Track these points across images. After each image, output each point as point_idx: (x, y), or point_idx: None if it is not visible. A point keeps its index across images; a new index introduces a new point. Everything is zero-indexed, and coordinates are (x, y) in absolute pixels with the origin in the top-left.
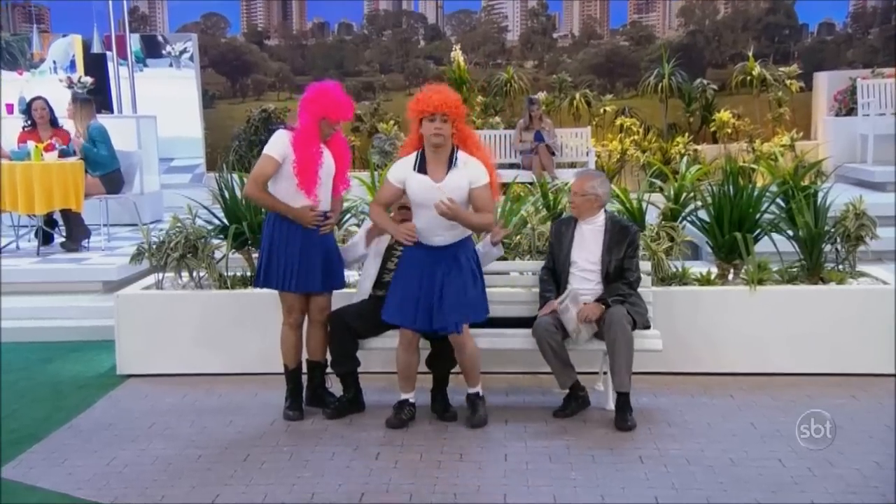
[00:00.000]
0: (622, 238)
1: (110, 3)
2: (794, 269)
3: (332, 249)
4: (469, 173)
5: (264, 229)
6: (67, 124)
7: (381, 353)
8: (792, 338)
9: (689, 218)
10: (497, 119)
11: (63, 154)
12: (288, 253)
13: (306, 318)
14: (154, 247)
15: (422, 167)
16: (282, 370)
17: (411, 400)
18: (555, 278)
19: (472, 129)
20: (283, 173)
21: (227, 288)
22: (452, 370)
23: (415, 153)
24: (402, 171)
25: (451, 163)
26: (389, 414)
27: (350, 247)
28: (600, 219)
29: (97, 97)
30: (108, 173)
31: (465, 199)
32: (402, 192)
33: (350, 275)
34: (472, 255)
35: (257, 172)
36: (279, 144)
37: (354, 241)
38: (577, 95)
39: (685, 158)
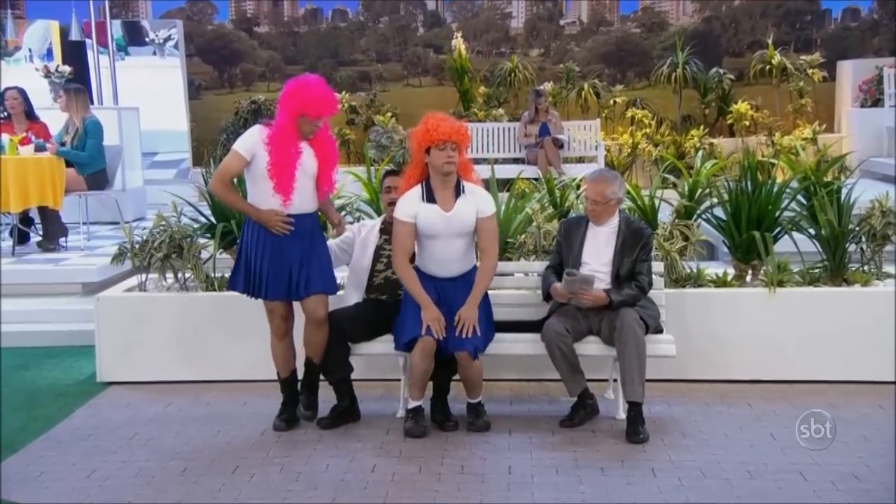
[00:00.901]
0: (635, 241)
1: None
2: (816, 271)
3: (313, 254)
4: (477, 202)
5: (242, 229)
6: (54, 115)
7: (376, 359)
8: (814, 343)
9: (704, 216)
10: (500, 111)
11: (39, 149)
12: (257, 256)
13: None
14: (137, 246)
15: (430, 197)
16: (272, 377)
17: (423, 406)
18: (559, 278)
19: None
20: (259, 173)
21: (215, 290)
22: (453, 378)
23: (418, 186)
24: (411, 205)
25: (458, 191)
26: (383, 425)
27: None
28: (615, 220)
29: None
30: (93, 173)
31: (472, 228)
32: (415, 229)
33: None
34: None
35: (223, 168)
36: (249, 140)
37: (347, 240)
38: (586, 86)
39: (700, 153)
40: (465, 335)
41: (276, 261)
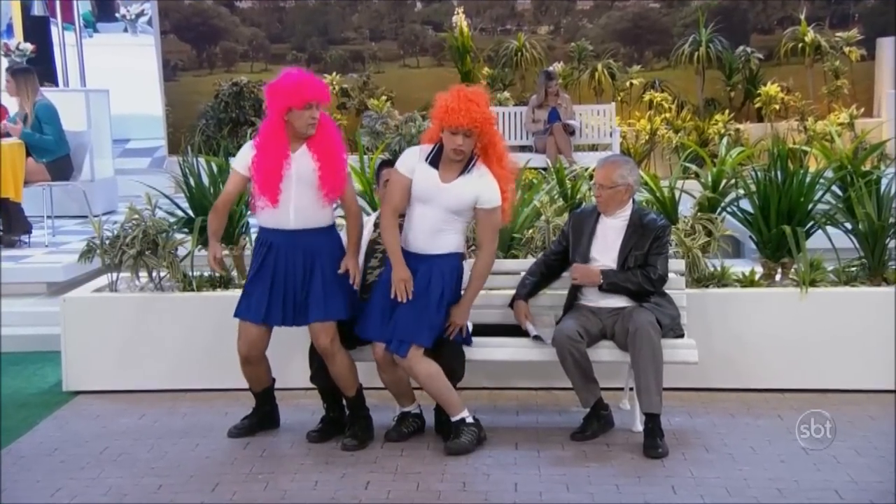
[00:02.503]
0: (646, 232)
1: None
2: (853, 269)
3: (314, 276)
4: (480, 187)
5: None
6: (8, 101)
7: (371, 365)
8: (850, 348)
9: (729, 209)
10: (506, 94)
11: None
12: (250, 271)
13: None
14: (107, 242)
15: (434, 161)
16: None
17: (415, 411)
18: (549, 272)
19: (500, 138)
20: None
21: (193, 290)
22: (456, 387)
23: (431, 145)
24: (412, 159)
25: (465, 168)
26: (378, 437)
27: None
28: (627, 211)
29: (38, 68)
30: (56, 160)
31: (467, 209)
32: (409, 186)
33: None
34: (454, 275)
35: (223, 191)
36: (241, 153)
37: None
38: (599, 66)
39: (725, 139)
40: (450, 336)
41: (261, 279)
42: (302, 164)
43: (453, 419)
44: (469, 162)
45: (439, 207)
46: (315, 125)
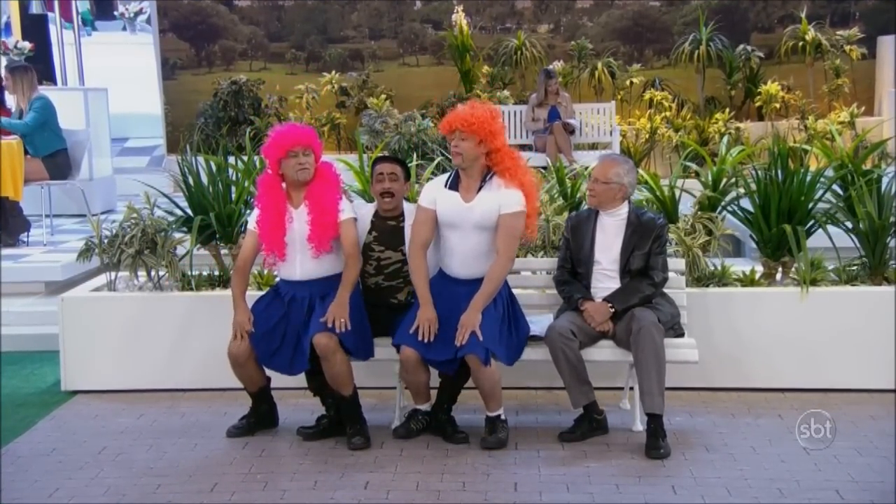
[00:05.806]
0: (646, 232)
1: None
2: (854, 268)
3: (318, 311)
4: (501, 196)
5: None
6: (11, 101)
7: (370, 366)
8: (851, 347)
9: (729, 208)
10: (505, 93)
11: None
12: (259, 307)
13: None
14: (105, 241)
15: (454, 185)
16: None
17: (425, 409)
18: (573, 275)
19: (516, 153)
20: None
21: (192, 289)
22: (465, 385)
23: (449, 172)
24: (433, 190)
25: (482, 184)
26: (378, 437)
27: None
28: (623, 210)
29: (37, 67)
30: (52, 155)
31: (493, 224)
32: (435, 217)
33: None
34: (505, 296)
35: (241, 253)
36: (254, 214)
37: None
38: (599, 65)
39: (725, 138)
40: (460, 342)
41: (263, 321)
42: (300, 221)
43: (491, 414)
44: (485, 177)
45: (469, 228)
46: (305, 170)
